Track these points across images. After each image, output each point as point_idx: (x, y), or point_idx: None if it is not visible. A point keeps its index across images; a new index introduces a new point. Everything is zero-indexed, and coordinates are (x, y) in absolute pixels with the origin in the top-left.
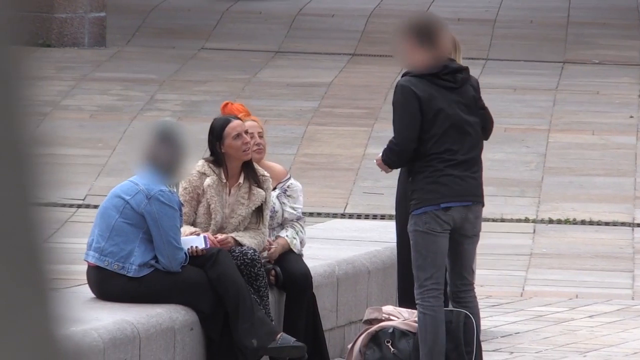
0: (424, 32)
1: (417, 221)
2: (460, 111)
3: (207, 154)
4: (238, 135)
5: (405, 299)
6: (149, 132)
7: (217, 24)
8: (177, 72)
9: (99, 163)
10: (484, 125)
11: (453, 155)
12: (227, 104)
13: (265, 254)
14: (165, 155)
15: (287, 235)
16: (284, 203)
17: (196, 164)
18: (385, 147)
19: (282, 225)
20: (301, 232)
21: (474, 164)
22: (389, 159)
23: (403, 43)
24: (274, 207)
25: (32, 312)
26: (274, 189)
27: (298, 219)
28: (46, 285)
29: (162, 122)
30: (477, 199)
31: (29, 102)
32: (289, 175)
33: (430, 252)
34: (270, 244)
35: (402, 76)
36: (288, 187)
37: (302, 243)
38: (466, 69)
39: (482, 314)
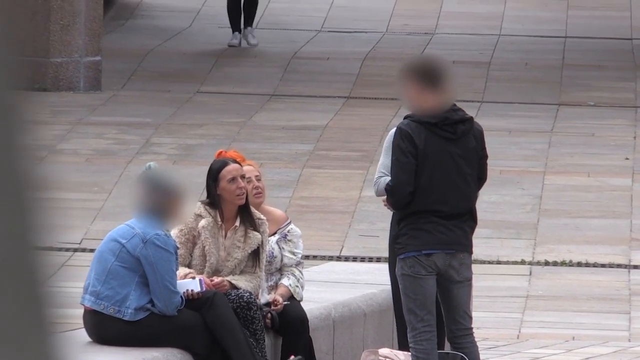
0: (431, 74)
1: (403, 265)
2: (455, 163)
3: (205, 196)
4: (233, 179)
5: (404, 342)
6: (136, 179)
7: (212, 67)
8: (172, 116)
9: (95, 207)
10: (480, 176)
11: (441, 206)
12: (220, 152)
13: (262, 299)
14: (152, 201)
15: (289, 285)
16: (283, 248)
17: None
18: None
19: (280, 271)
20: (301, 278)
21: (463, 216)
22: (388, 201)
23: (408, 85)
24: (272, 252)
25: (34, 355)
26: (274, 234)
27: (297, 264)
28: (48, 328)
29: (146, 169)
30: (460, 247)
31: (29, 146)
32: (289, 220)
33: (418, 295)
34: (277, 301)
35: (404, 118)
36: (288, 232)
37: (302, 288)
38: (469, 120)
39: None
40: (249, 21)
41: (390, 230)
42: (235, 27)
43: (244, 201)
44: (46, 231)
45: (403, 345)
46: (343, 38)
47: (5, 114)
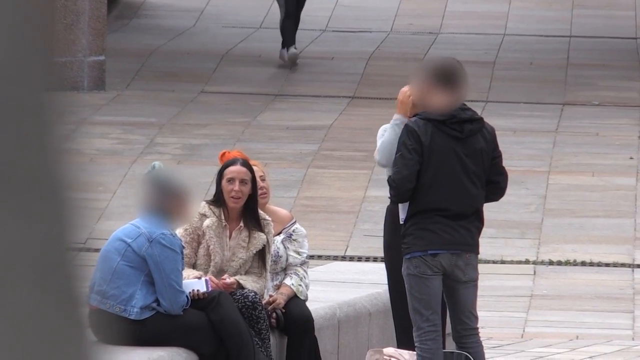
0: (446, 73)
1: (409, 265)
2: (461, 162)
3: (210, 196)
4: (230, 180)
5: (402, 341)
6: (141, 179)
7: (216, 67)
8: (176, 116)
9: (100, 207)
10: (493, 178)
11: (446, 205)
12: (224, 153)
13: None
14: (157, 201)
15: (292, 284)
16: (288, 248)
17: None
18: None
19: (285, 270)
20: (305, 277)
21: (470, 216)
22: (390, 194)
23: (421, 84)
24: (277, 252)
25: (73, 350)
26: (279, 233)
27: (302, 263)
28: (83, 324)
29: (151, 169)
30: (466, 247)
31: (66, 145)
32: (294, 220)
33: (424, 295)
34: (273, 299)
35: (412, 117)
36: (293, 231)
37: (307, 287)
38: (479, 120)
39: None
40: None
41: (384, 231)
42: (289, 42)
43: (237, 205)
44: (79, 231)
45: (402, 345)
46: (348, 38)
47: (40, 114)
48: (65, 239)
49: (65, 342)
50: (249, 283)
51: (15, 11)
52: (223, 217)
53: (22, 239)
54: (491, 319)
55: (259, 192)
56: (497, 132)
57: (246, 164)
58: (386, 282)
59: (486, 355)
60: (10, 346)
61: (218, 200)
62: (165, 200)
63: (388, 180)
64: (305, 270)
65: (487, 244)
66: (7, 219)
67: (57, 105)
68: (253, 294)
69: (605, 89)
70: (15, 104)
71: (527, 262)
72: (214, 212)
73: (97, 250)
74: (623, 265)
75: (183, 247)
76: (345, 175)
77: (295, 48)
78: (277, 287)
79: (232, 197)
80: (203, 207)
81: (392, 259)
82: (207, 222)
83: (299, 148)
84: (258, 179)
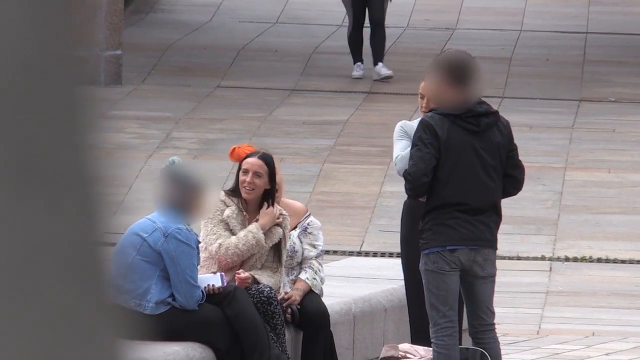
0: (458, 70)
1: (427, 260)
2: (478, 156)
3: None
4: (245, 171)
5: (417, 337)
6: (159, 173)
7: (232, 62)
8: (193, 110)
9: (115, 201)
10: (510, 171)
11: (464, 199)
12: (234, 149)
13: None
14: (174, 195)
15: (307, 278)
16: (303, 242)
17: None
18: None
19: (300, 264)
20: (320, 270)
21: (488, 211)
22: (405, 188)
23: (435, 79)
24: (294, 247)
25: (104, 344)
26: (295, 227)
27: (317, 256)
28: (115, 321)
29: (170, 164)
30: (485, 243)
31: (99, 140)
32: (308, 212)
33: (441, 291)
34: (289, 295)
35: (428, 112)
36: (308, 224)
37: (322, 281)
38: (494, 113)
39: None
40: (378, 57)
41: (401, 227)
42: (357, 57)
43: (250, 196)
44: (107, 226)
45: (417, 341)
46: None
47: (72, 109)
48: (96, 235)
49: (97, 339)
50: (264, 278)
51: (43, 4)
52: (242, 206)
53: (54, 234)
54: (507, 315)
55: None
56: (513, 128)
57: (264, 157)
58: (402, 277)
59: (502, 352)
60: (41, 343)
61: (235, 190)
62: (184, 195)
63: (404, 174)
64: (320, 263)
65: (503, 240)
66: (39, 214)
67: (88, 100)
68: (268, 289)
69: (621, 85)
70: (46, 98)
71: (543, 258)
72: (233, 202)
73: (113, 244)
74: (639, 262)
75: (199, 242)
76: (361, 170)
77: (362, 63)
78: (293, 282)
79: (244, 187)
80: (222, 196)
81: (409, 254)
82: (227, 211)
83: (315, 143)
84: None
